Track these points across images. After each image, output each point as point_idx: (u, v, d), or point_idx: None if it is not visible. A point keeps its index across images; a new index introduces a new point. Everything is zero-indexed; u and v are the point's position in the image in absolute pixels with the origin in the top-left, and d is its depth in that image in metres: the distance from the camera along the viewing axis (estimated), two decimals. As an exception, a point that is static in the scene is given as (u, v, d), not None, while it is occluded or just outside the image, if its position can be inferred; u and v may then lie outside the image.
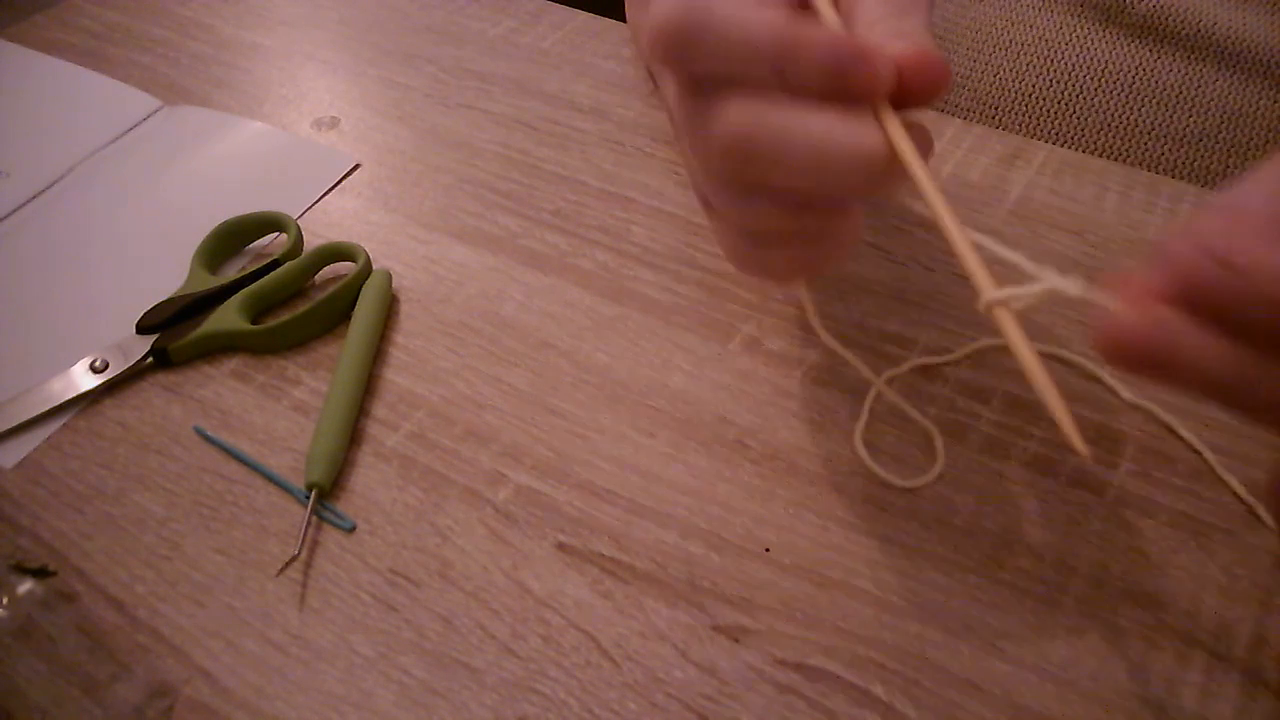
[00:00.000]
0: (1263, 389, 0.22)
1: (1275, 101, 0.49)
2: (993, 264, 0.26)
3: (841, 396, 0.38)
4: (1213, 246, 0.22)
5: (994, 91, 0.54)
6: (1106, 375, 0.38)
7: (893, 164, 0.26)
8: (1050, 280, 0.25)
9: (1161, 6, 0.50)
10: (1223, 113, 0.50)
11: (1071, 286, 0.24)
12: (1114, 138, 0.52)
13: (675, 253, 0.45)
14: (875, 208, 0.46)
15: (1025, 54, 0.54)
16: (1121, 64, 0.52)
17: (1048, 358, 0.39)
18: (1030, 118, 0.54)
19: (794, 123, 0.25)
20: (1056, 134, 0.53)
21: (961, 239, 0.26)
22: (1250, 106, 0.49)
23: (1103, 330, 0.23)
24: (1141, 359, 0.23)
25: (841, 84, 0.25)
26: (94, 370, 0.40)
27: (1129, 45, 0.51)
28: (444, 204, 0.48)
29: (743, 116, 0.26)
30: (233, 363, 0.41)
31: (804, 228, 0.28)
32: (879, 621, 0.32)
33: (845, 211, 0.28)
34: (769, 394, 0.39)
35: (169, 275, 0.43)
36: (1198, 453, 0.36)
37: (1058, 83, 0.53)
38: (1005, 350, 0.40)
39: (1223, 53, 0.49)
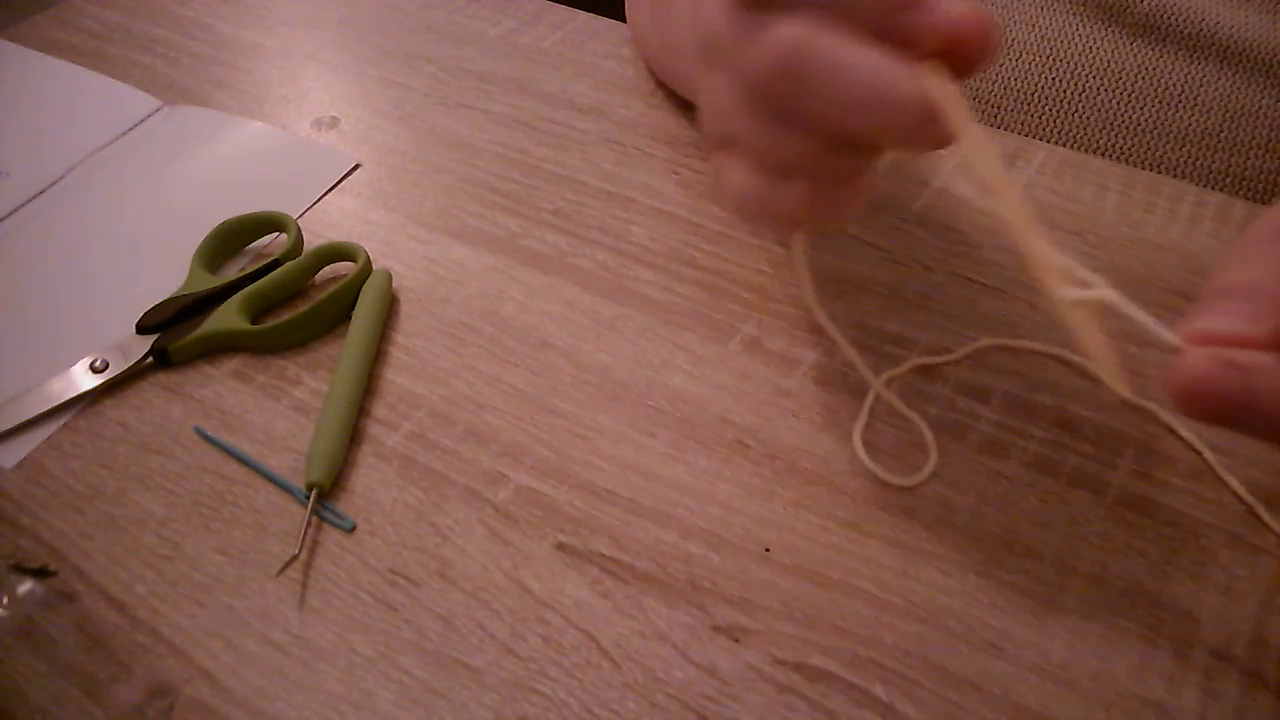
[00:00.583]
0: None
1: (1277, 101, 0.49)
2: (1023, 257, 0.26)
3: (841, 396, 0.38)
4: None
5: (995, 91, 0.54)
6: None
7: (934, 119, 0.26)
8: (1106, 292, 0.25)
9: (1163, 6, 0.50)
10: (1225, 112, 0.50)
11: (1122, 303, 0.25)
12: (1116, 137, 0.52)
13: (675, 253, 0.45)
14: (875, 207, 0.46)
15: (1027, 53, 0.54)
16: (1123, 63, 0.52)
17: (1047, 358, 0.39)
18: (1032, 117, 0.54)
19: (848, 52, 0.25)
20: (1058, 133, 0.53)
21: (1020, 213, 0.26)
22: (1252, 105, 0.49)
23: (1172, 377, 0.23)
24: (1216, 409, 0.23)
25: (897, 22, 0.25)
26: (94, 370, 0.40)
27: (1131, 44, 0.51)
28: (444, 204, 0.48)
29: (798, 34, 0.26)
30: (233, 363, 0.41)
31: (827, 168, 0.28)
32: (879, 621, 0.32)
33: (867, 163, 0.28)
34: (769, 394, 0.39)
35: (169, 275, 0.43)
36: (1198, 453, 0.36)
37: (1059, 82, 0.53)
38: (1005, 350, 0.40)
39: (1225, 52, 0.49)
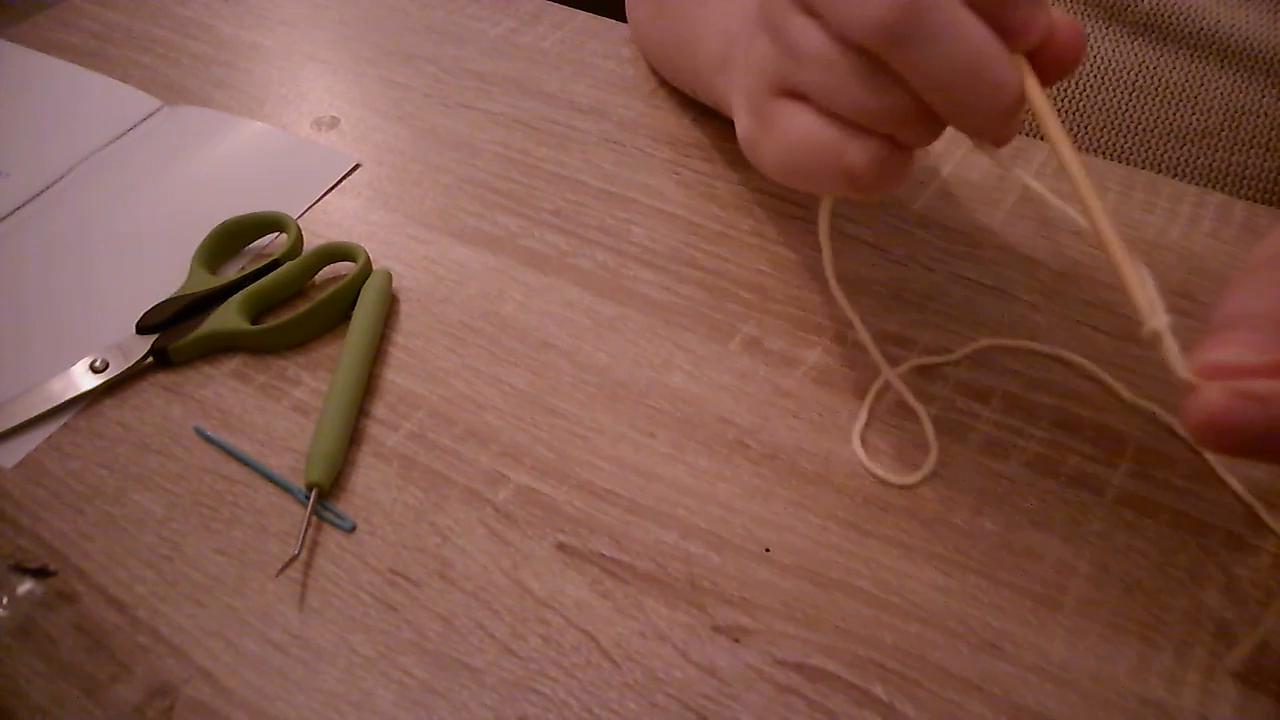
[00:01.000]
0: None
1: (1278, 99, 0.49)
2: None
3: (842, 396, 0.38)
4: None
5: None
6: (1106, 376, 0.38)
7: (1017, 112, 0.26)
8: (1159, 322, 0.25)
9: (1164, 5, 0.50)
10: (1225, 110, 0.50)
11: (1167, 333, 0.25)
12: (1117, 135, 0.52)
13: (675, 253, 0.45)
14: (875, 207, 0.46)
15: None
16: (1124, 62, 0.52)
17: (1047, 358, 0.39)
18: (1031, 115, 0.54)
19: (963, 19, 0.25)
20: (1057, 133, 0.53)
21: (1108, 224, 0.26)
22: (1253, 104, 0.49)
23: (1189, 412, 0.23)
24: (1238, 441, 0.23)
25: (1007, 7, 0.26)
26: (94, 370, 0.40)
27: (1132, 43, 0.51)
28: (444, 204, 0.48)
29: None
30: (233, 363, 0.41)
31: (906, 130, 0.28)
32: (879, 621, 0.32)
33: (938, 134, 0.28)
34: (769, 394, 0.39)
35: (169, 275, 0.43)
36: (1198, 453, 0.36)
37: (1061, 81, 0.53)
38: (1005, 350, 0.40)
39: (1225, 50, 0.49)
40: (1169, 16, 0.50)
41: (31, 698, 0.30)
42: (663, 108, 0.53)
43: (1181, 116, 0.51)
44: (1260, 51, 0.49)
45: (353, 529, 0.35)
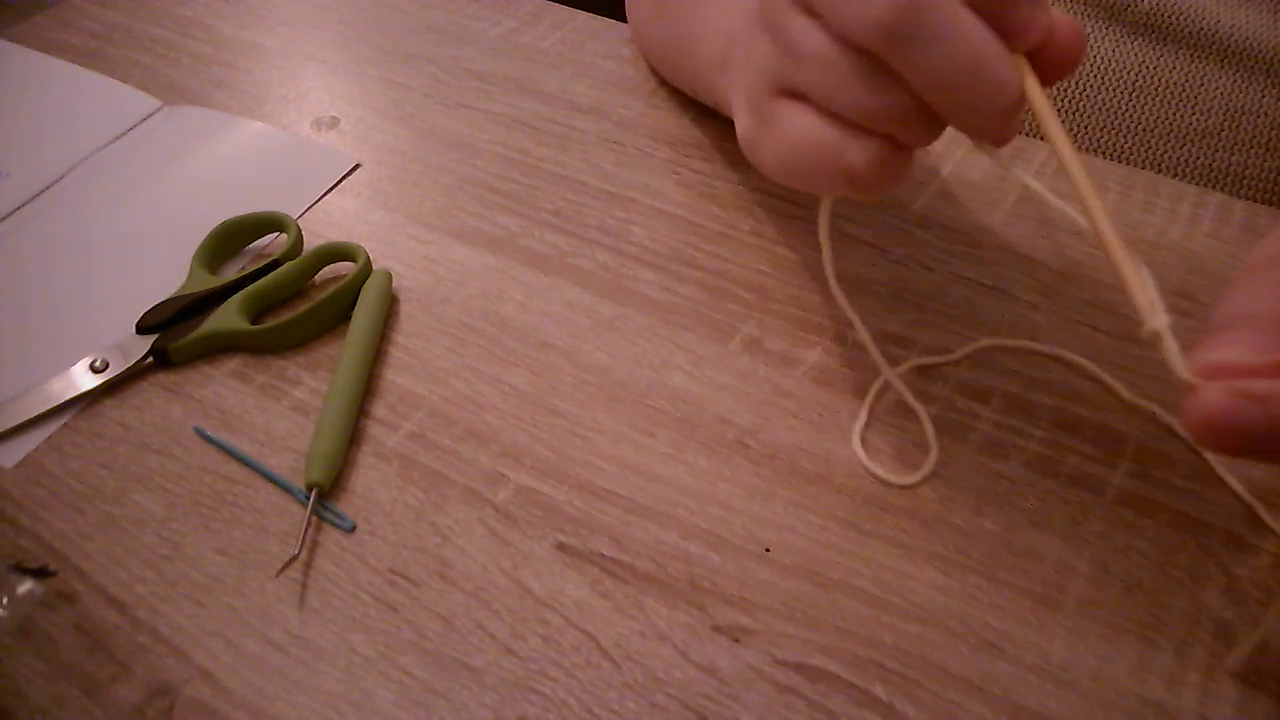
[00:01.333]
0: None
1: (1278, 99, 0.49)
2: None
3: (842, 396, 0.38)
4: None
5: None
6: (1106, 376, 0.38)
7: (1017, 112, 0.26)
8: (1162, 318, 0.25)
9: (1163, 5, 0.50)
10: (1225, 110, 0.50)
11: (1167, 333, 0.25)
12: (1117, 135, 0.52)
13: (675, 253, 0.45)
14: (875, 207, 0.46)
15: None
16: (1124, 62, 0.52)
17: (1047, 358, 0.39)
18: (1031, 115, 0.54)
19: (962, 19, 0.25)
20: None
21: (1110, 226, 0.26)
22: (1253, 104, 0.49)
23: (1189, 412, 0.23)
24: (1238, 442, 0.23)
25: (1007, 7, 0.26)
26: (94, 370, 0.40)
27: (1132, 43, 0.51)
28: (444, 204, 0.48)
29: None
30: (233, 363, 0.41)
31: (906, 129, 0.28)
32: (879, 621, 0.32)
33: (938, 134, 0.28)
34: (769, 394, 0.39)
35: (169, 275, 0.43)
36: (1198, 453, 0.36)
37: (1060, 81, 0.53)
38: (1005, 350, 0.40)
39: (1225, 51, 0.49)
40: (1169, 16, 0.50)
41: (31, 698, 0.30)
42: (663, 108, 0.53)
43: (1181, 116, 0.51)
44: (1260, 51, 0.49)
45: (353, 529, 0.35)
